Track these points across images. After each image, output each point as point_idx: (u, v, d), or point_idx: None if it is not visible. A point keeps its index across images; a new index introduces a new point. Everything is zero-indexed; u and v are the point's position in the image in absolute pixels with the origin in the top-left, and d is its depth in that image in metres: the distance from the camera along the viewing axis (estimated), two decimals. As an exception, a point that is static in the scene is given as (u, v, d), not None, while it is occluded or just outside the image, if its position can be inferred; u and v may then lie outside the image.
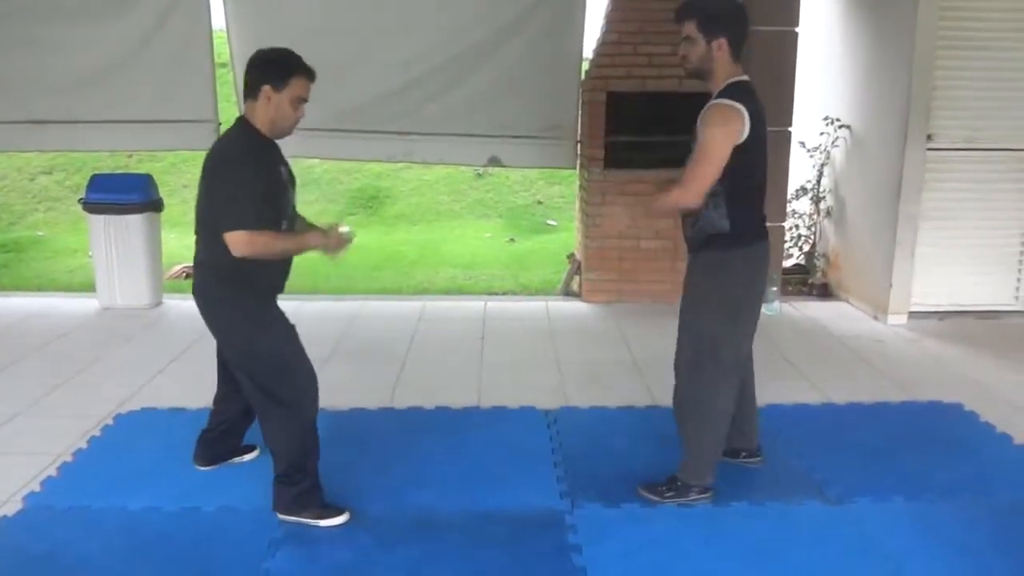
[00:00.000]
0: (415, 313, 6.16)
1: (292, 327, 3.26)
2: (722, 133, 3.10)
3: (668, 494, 3.39)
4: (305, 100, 3.10)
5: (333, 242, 3.18)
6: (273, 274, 3.21)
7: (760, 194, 3.39)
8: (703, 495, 3.38)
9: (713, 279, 3.30)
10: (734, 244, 3.24)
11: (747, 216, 3.27)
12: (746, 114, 3.10)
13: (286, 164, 3.22)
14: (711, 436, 3.36)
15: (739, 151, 3.11)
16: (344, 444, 3.90)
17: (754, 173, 3.28)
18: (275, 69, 3.04)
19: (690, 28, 3.14)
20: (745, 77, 3.20)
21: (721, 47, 3.13)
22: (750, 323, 3.36)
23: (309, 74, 3.08)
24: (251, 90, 3.05)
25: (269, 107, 3.04)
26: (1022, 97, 5.79)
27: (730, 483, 3.53)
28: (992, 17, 5.66)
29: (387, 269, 8.12)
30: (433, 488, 3.49)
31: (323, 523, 3.18)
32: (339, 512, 3.22)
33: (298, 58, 3.08)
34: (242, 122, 3.12)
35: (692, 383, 3.36)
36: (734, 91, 3.14)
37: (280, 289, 3.29)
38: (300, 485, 3.20)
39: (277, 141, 3.16)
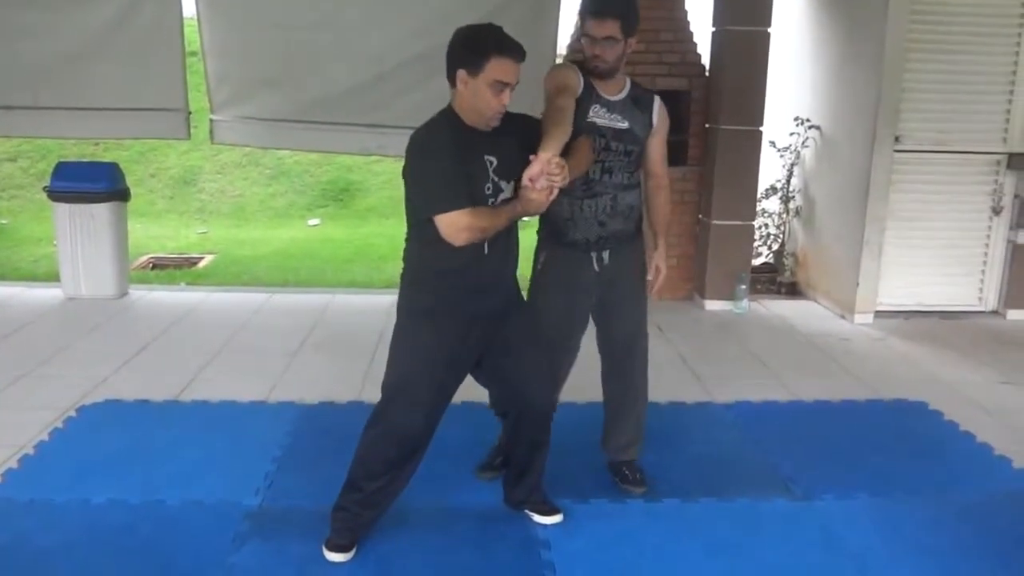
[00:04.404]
0: (385, 306, 6.13)
1: (441, 359, 2.88)
2: None
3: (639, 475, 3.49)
4: (507, 84, 2.66)
5: (537, 189, 2.65)
6: (463, 284, 2.85)
7: None
8: None
9: (644, 264, 3.41)
10: None
11: None
12: None
13: (499, 156, 2.77)
14: None
15: None
16: (313, 438, 3.89)
17: None
18: (468, 50, 2.67)
19: (613, 28, 3.06)
20: None
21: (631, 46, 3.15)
22: None
23: (512, 53, 2.65)
24: (448, 74, 2.73)
25: (467, 93, 2.68)
26: (989, 101, 5.88)
27: (698, 479, 3.57)
28: (961, 21, 5.73)
29: (357, 262, 8.09)
30: (401, 483, 3.48)
31: (325, 550, 2.95)
32: (345, 550, 2.95)
33: (497, 35, 2.67)
34: (447, 107, 2.80)
35: (646, 371, 3.48)
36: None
37: (480, 290, 2.88)
38: (343, 497, 3.00)
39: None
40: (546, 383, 3.12)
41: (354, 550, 2.97)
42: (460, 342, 2.89)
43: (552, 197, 2.71)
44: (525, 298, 3.18)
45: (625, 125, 3.17)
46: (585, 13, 3.10)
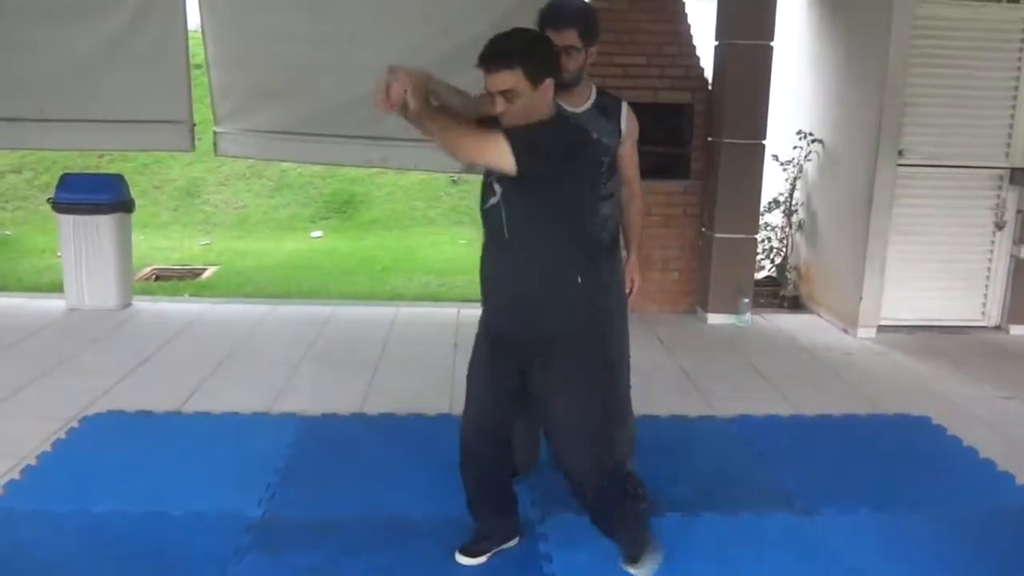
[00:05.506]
0: (388, 319, 6.14)
1: (481, 356, 2.91)
2: None
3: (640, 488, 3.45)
4: (492, 94, 2.62)
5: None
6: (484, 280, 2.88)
7: None
8: None
9: (622, 276, 3.39)
10: None
11: None
12: None
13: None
14: None
15: None
16: (315, 450, 3.88)
17: None
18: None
19: (572, 37, 3.06)
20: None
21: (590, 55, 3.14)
22: None
23: (482, 62, 2.60)
24: None
25: None
26: (991, 115, 5.88)
27: (700, 494, 3.55)
28: (964, 35, 5.75)
29: (361, 274, 8.09)
30: (403, 495, 3.48)
31: (459, 552, 3.04)
32: (473, 556, 3.03)
33: (490, 42, 2.60)
34: None
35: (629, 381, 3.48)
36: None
37: (488, 295, 2.87)
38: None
39: None
40: (581, 454, 2.86)
41: (482, 557, 3.03)
42: (488, 364, 2.89)
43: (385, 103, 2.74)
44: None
45: (593, 137, 3.16)
46: (543, 25, 3.05)
